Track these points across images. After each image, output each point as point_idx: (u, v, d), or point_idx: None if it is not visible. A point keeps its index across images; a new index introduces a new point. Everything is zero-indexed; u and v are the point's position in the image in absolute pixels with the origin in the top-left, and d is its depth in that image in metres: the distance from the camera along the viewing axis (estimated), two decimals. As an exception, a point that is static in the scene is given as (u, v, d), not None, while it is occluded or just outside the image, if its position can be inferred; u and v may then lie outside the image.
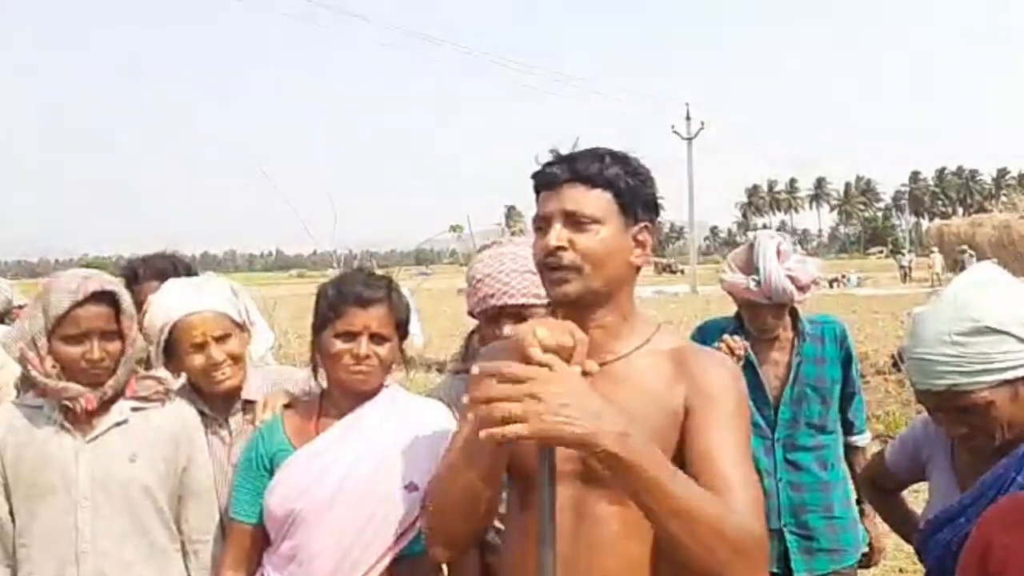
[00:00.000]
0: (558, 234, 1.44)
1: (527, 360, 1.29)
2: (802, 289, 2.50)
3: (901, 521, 2.21)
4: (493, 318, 2.06)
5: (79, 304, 1.93)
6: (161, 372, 2.24)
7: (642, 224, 1.49)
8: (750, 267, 2.54)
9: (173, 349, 2.19)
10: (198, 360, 2.16)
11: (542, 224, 1.48)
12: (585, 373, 1.32)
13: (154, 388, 2.08)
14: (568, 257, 1.44)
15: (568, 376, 1.27)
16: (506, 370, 1.26)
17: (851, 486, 2.85)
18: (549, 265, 1.46)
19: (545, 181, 1.49)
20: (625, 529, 1.41)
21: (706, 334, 2.72)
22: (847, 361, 2.72)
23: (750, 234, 2.76)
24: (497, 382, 1.25)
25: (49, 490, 1.94)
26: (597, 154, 1.48)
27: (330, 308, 1.89)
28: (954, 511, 1.69)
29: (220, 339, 2.17)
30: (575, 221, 1.44)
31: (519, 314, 2.01)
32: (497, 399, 1.23)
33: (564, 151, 1.51)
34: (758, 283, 2.47)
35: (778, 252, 2.51)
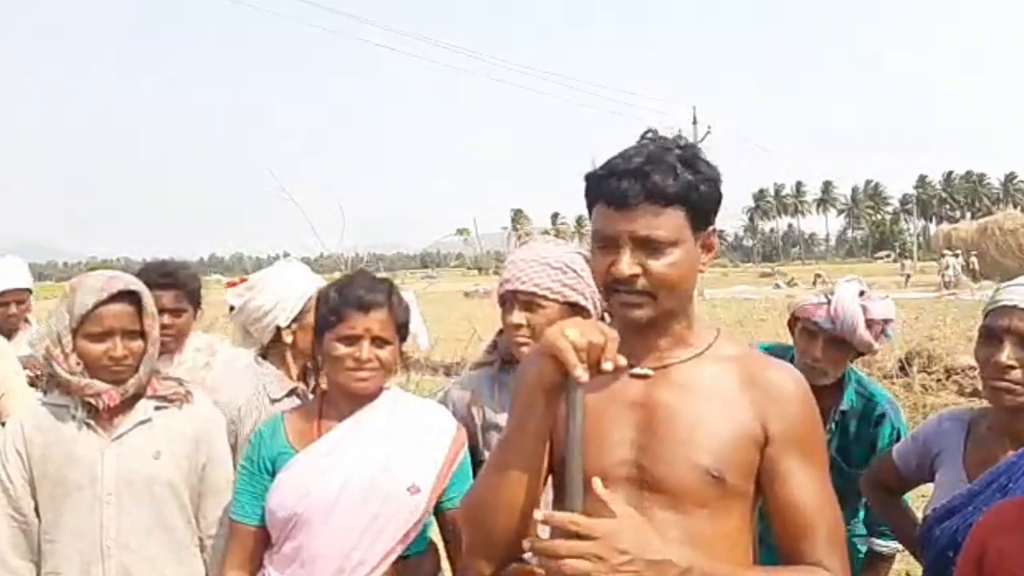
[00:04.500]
0: (629, 261, 1.34)
1: (559, 362, 1.27)
2: (869, 325, 2.36)
3: (903, 523, 2.19)
4: (507, 302, 2.09)
5: (103, 303, 1.97)
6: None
7: (710, 228, 1.41)
8: (829, 294, 2.45)
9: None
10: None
11: (607, 244, 1.37)
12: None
13: (174, 389, 2.11)
14: (641, 284, 1.35)
15: (629, 526, 1.25)
16: (571, 526, 1.23)
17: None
18: (619, 291, 1.38)
19: (614, 198, 1.35)
20: (684, 536, 1.35)
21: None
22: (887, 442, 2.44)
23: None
24: (564, 537, 1.23)
25: (75, 487, 1.97)
26: (670, 164, 1.34)
27: (331, 312, 1.91)
28: (962, 499, 1.70)
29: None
30: (649, 246, 1.34)
31: (529, 302, 2.03)
32: (566, 556, 1.21)
33: (622, 158, 1.37)
34: (828, 303, 2.39)
35: (861, 293, 2.41)
